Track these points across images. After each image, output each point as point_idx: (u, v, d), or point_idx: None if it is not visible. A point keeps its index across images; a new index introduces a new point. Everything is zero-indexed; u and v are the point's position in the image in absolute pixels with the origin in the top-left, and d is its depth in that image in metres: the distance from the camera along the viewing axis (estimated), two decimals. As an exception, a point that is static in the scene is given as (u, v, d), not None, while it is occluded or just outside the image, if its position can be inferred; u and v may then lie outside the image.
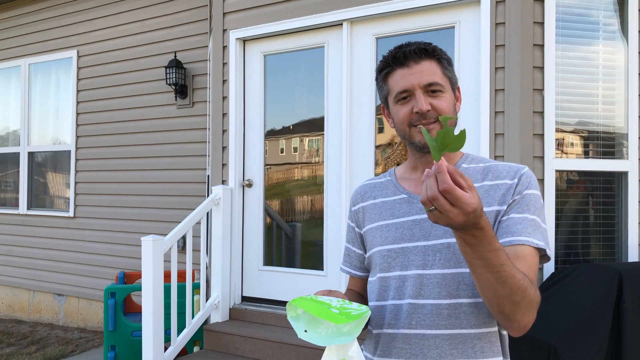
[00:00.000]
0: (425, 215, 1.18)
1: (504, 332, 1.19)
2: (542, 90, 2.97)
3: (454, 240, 1.14)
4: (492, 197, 1.16)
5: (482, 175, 1.21)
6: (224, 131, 3.96)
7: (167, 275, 3.95)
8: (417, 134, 1.18)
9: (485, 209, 1.14)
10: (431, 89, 1.17)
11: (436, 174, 0.86)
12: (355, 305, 1.04)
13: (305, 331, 1.01)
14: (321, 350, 3.22)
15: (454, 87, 1.23)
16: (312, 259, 3.77)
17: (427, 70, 1.17)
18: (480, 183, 1.20)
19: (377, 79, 1.27)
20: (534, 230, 1.10)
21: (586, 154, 3.09)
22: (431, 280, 1.15)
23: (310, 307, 0.99)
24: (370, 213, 1.29)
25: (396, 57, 1.18)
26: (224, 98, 3.96)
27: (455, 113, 1.21)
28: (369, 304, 1.26)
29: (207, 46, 4.67)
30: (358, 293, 1.36)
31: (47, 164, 5.90)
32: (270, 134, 3.93)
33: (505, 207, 1.14)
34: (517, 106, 2.93)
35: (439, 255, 1.15)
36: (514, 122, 2.93)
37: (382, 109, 1.30)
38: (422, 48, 1.17)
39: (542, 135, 2.96)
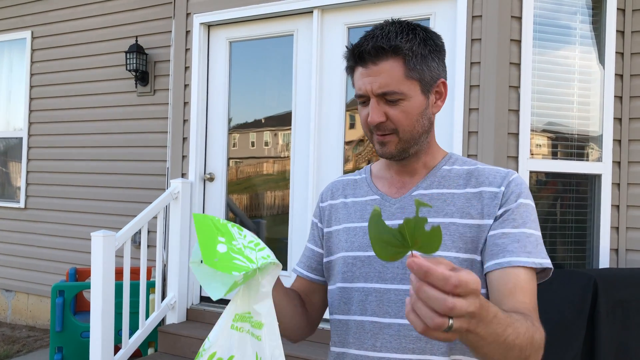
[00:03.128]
0: (397, 221, 1.02)
1: None
2: (518, 87, 2.86)
3: None
4: (474, 207, 1.01)
5: (464, 180, 1.05)
6: (184, 121, 3.74)
7: (120, 272, 3.72)
8: (375, 143, 1.05)
9: (463, 221, 1.00)
10: (387, 98, 0.99)
11: (425, 279, 0.63)
12: (265, 253, 0.89)
13: (201, 262, 0.83)
14: (290, 356, 3.05)
15: (428, 86, 1.02)
16: (276, 257, 3.60)
17: (385, 74, 0.98)
18: (462, 190, 1.04)
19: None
20: (534, 248, 0.96)
21: (560, 155, 3.00)
22: (399, 297, 1.00)
23: (202, 229, 0.83)
24: (339, 213, 1.14)
25: (354, 53, 1.01)
26: (186, 86, 3.74)
27: (421, 120, 1.02)
28: (330, 316, 1.11)
29: (170, 31, 4.43)
30: (298, 294, 1.17)
31: (-3, 151, 5.56)
32: (235, 127, 3.73)
33: (491, 221, 0.99)
34: (492, 104, 2.81)
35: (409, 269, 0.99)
36: (488, 120, 2.81)
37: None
38: (378, 46, 0.97)
39: (517, 134, 2.86)
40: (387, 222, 1.02)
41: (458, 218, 1.00)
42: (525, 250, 0.95)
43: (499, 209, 1.00)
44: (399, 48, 0.97)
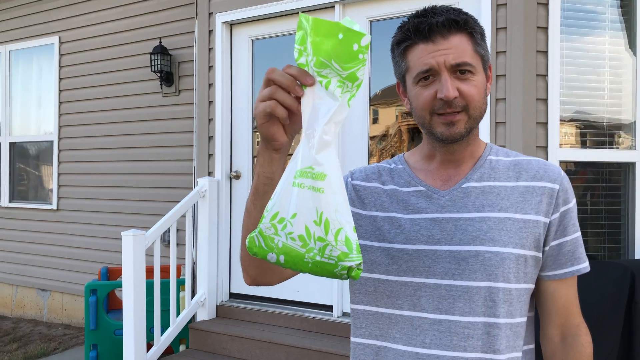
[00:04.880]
0: (449, 215, 1.00)
1: (532, 346, 1.07)
2: (545, 76, 2.80)
3: (484, 248, 0.97)
4: (529, 203, 1.00)
5: (514, 172, 1.03)
6: (210, 120, 3.77)
7: (150, 271, 3.78)
8: (439, 125, 0.98)
9: (519, 217, 0.99)
10: (460, 70, 0.95)
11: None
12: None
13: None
14: (312, 349, 3.06)
15: (486, 65, 1.01)
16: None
17: (456, 47, 0.95)
18: (514, 182, 1.02)
19: (392, 51, 1.04)
20: (582, 249, 1.05)
21: (591, 144, 2.92)
22: (451, 293, 0.97)
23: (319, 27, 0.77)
24: (377, 198, 1.07)
25: (419, 30, 0.96)
26: (210, 85, 3.77)
27: (485, 98, 1.00)
28: (362, 306, 1.05)
29: (193, 31, 4.46)
30: None
31: (29, 154, 5.69)
32: (259, 123, 3.74)
33: (547, 220, 1.00)
34: (520, 93, 2.75)
35: (463, 265, 0.97)
36: (516, 110, 2.76)
37: (397, 86, 1.08)
38: (452, 19, 0.95)
39: (546, 123, 2.79)
40: (437, 215, 1.01)
41: (513, 213, 0.99)
42: (581, 256, 1.03)
43: (556, 209, 1.01)
44: (468, 22, 0.97)
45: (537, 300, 1.06)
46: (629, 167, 2.91)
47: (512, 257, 0.96)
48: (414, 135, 3.29)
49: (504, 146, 2.77)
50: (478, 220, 0.98)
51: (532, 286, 1.03)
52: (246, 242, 0.81)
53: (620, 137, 2.93)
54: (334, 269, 0.76)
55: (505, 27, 2.79)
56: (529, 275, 1.00)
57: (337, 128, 0.79)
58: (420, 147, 1.10)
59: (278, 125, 0.84)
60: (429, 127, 1.00)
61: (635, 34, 2.88)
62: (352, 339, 1.08)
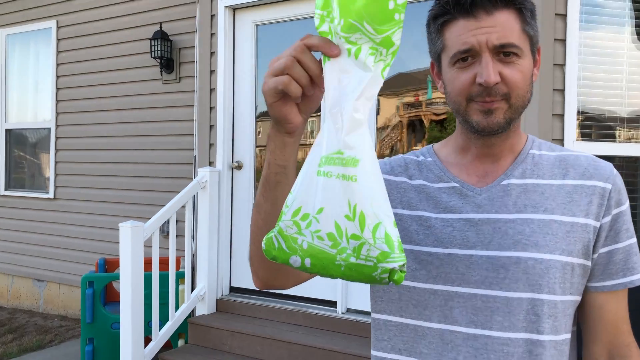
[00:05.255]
0: (486, 215, 0.88)
1: None
2: (563, 65, 2.67)
3: (526, 254, 0.85)
4: (577, 204, 0.88)
5: (560, 169, 0.91)
6: (211, 108, 3.65)
7: (149, 263, 3.68)
8: (475, 113, 0.86)
9: (567, 219, 0.87)
10: (504, 52, 0.83)
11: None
12: None
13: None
14: (315, 347, 2.97)
15: (535, 48, 0.89)
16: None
17: (501, 25, 0.82)
18: (560, 180, 0.90)
19: (428, 27, 0.91)
20: (637, 256, 0.92)
21: (608, 138, 2.81)
22: (487, 304, 0.85)
23: None
24: (403, 195, 0.95)
25: (460, 3, 0.84)
26: (212, 72, 3.64)
27: (530, 86, 0.88)
28: (384, 316, 0.94)
29: (195, 16, 4.33)
30: None
31: (26, 142, 5.57)
32: (262, 114, 3.62)
33: (597, 224, 0.88)
34: (536, 83, 2.63)
35: (503, 273, 0.85)
36: (532, 101, 2.64)
37: (431, 66, 0.96)
38: None
39: (562, 115, 2.68)
40: (473, 216, 0.89)
41: (560, 215, 0.87)
42: (635, 266, 0.91)
43: (607, 211, 0.89)
44: None
45: (580, 314, 0.94)
46: (647, 161, 2.80)
47: (559, 266, 0.85)
48: (415, 128, 3.20)
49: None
50: (520, 222, 0.87)
51: (579, 298, 0.91)
52: (263, 245, 0.69)
53: (638, 130, 2.82)
54: (373, 272, 0.64)
55: (522, 14, 2.66)
56: (576, 286, 0.89)
57: (370, 104, 0.66)
58: (453, 137, 0.98)
59: (291, 105, 0.73)
60: (464, 115, 0.88)
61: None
62: (373, 352, 0.96)
